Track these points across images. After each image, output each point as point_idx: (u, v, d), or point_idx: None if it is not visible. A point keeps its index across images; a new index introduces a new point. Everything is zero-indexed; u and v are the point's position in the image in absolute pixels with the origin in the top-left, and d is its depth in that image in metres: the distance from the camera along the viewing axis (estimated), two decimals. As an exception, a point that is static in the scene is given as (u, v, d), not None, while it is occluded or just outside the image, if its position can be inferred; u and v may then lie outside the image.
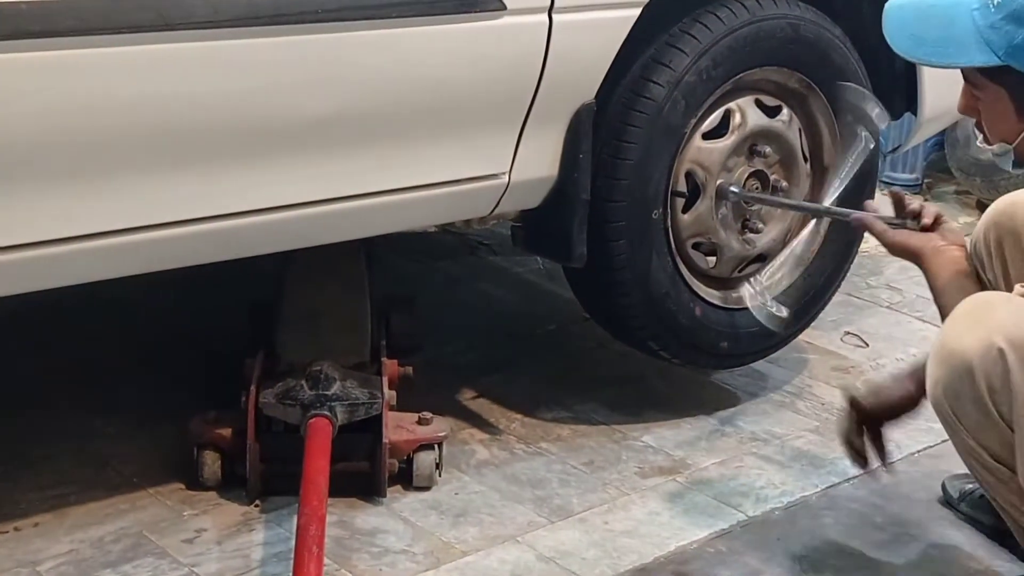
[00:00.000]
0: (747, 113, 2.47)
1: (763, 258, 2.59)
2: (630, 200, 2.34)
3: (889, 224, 2.09)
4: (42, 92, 1.75)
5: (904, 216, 2.09)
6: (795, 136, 2.55)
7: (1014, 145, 1.97)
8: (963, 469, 2.34)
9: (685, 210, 2.45)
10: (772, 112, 2.52)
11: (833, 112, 2.58)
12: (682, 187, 2.43)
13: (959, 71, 1.99)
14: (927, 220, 2.07)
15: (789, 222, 2.61)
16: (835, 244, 2.70)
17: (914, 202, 2.11)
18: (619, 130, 2.32)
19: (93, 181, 1.84)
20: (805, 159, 2.58)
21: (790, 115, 2.55)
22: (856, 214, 2.16)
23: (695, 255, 2.49)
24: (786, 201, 2.54)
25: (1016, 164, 2.02)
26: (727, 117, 2.46)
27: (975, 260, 2.12)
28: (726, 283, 2.57)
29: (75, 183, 1.83)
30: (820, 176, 2.64)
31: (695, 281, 2.50)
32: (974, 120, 2.04)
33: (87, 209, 1.86)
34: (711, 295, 2.53)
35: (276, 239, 2.11)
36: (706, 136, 2.44)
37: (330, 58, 1.97)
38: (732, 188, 2.47)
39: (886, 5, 2.01)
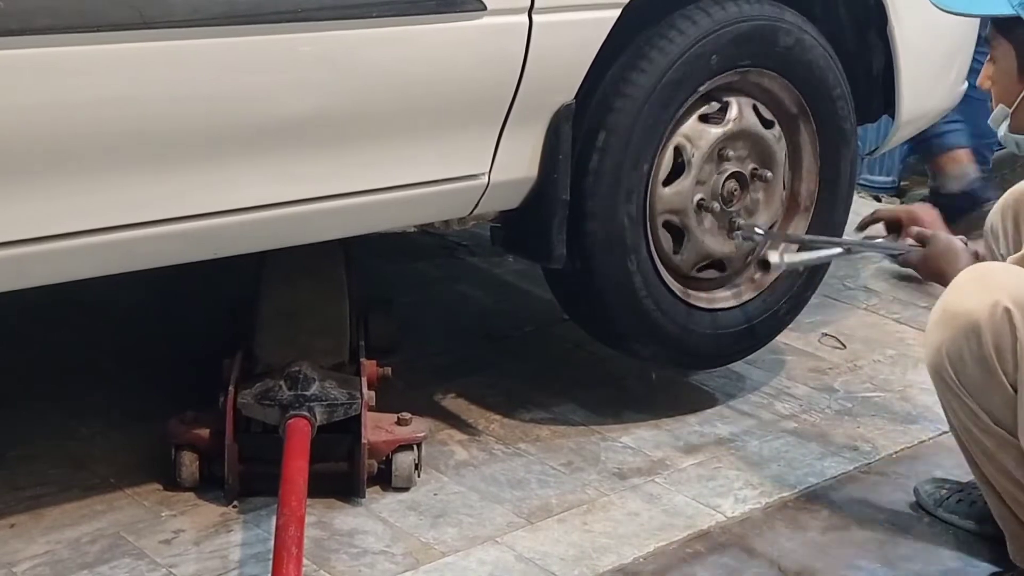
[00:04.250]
0: (744, 111, 2.49)
1: (722, 266, 2.58)
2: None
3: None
4: (17, 91, 1.74)
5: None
6: (781, 153, 2.58)
7: (1012, 109, 2.05)
8: (938, 472, 2.37)
9: (667, 183, 2.44)
10: (766, 125, 2.53)
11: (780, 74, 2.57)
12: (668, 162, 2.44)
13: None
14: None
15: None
16: (830, 196, 2.70)
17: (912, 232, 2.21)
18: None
19: (69, 180, 1.84)
20: (784, 186, 2.59)
21: (780, 133, 2.58)
22: (906, 256, 2.24)
23: (663, 236, 2.47)
24: (818, 238, 2.58)
25: (1012, 129, 2.08)
26: (725, 109, 2.48)
27: (990, 237, 2.16)
28: (685, 279, 2.55)
29: (51, 182, 1.82)
30: (793, 125, 2.62)
31: (660, 263, 2.49)
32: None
33: (63, 208, 1.85)
34: (671, 282, 2.52)
35: (255, 239, 2.11)
36: (703, 119, 2.46)
37: (309, 58, 1.97)
38: (757, 229, 2.50)
39: None
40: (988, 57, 2.12)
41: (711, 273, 2.57)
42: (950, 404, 2.02)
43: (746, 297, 2.63)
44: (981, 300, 1.90)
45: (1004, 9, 2.01)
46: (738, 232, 2.50)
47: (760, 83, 2.53)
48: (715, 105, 2.47)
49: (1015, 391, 1.92)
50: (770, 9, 2.47)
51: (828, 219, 2.69)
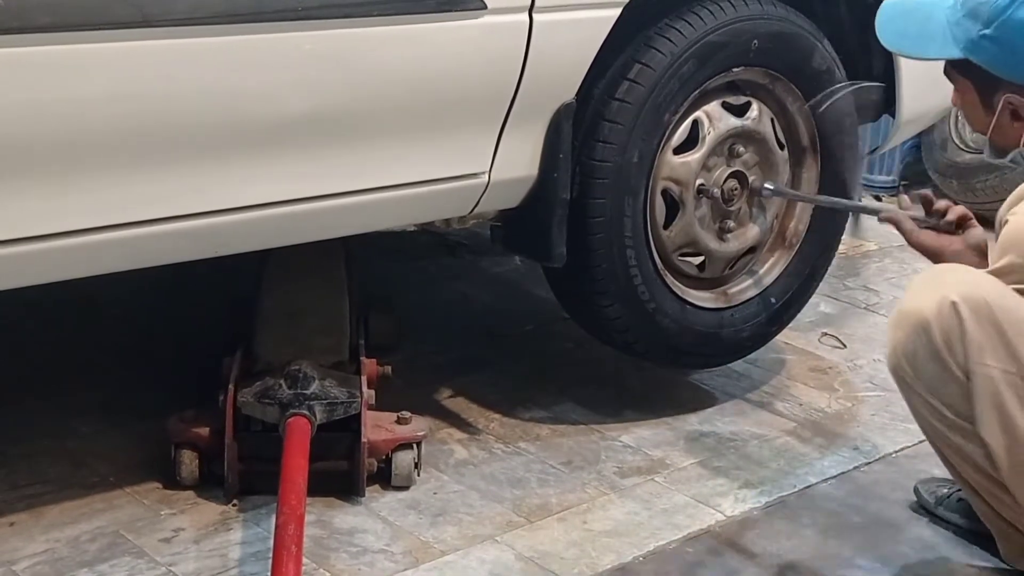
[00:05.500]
0: (763, 117, 2.54)
1: (702, 265, 2.57)
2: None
3: (916, 223, 2.16)
4: (18, 89, 1.74)
5: (931, 215, 2.16)
6: (785, 177, 2.60)
7: (988, 136, 2.08)
8: (938, 472, 2.37)
9: (678, 153, 2.46)
10: (740, 110, 2.54)
11: (803, 96, 2.60)
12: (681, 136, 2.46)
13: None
14: (951, 217, 2.15)
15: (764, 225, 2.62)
16: (815, 241, 2.71)
17: (941, 202, 2.18)
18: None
19: (69, 178, 1.83)
20: (781, 146, 2.60)
21: (787, 159, 2.59)
22: (886, 212, 2.22)
23: (659, 205, 2.47)
24: (817, 197, 2.61)
25: (994, 154, 2.13)
26: (748, 108, 2.52)
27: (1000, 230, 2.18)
28: (669, 262, 2.55)
29: (51, 180, 1.82)
30: (800, 157, 2.66)
31: (651, 233, 2.49)
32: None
33: (62, 206, 1.84)
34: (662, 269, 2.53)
35: (255, 237, 2.11)
36: (726, 107, 2.50)
37: (310, 56, 1.97)
38: (767, 186, 2.53)
39: (883, 2, 2.16)
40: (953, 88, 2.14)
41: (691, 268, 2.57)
42: (913, 403, 2.07)
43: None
44: (930, 298, 1.97)
45: (953, 53, 2.03)
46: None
47: (785, 102, 2.58)
48: (741, 99, 2.52)
49: (968, 381, 1.96)
50: (812, 29, 2.55)
51: (809, 261, 2.71)
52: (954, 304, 1.94)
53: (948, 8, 2.04)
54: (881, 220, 2.25)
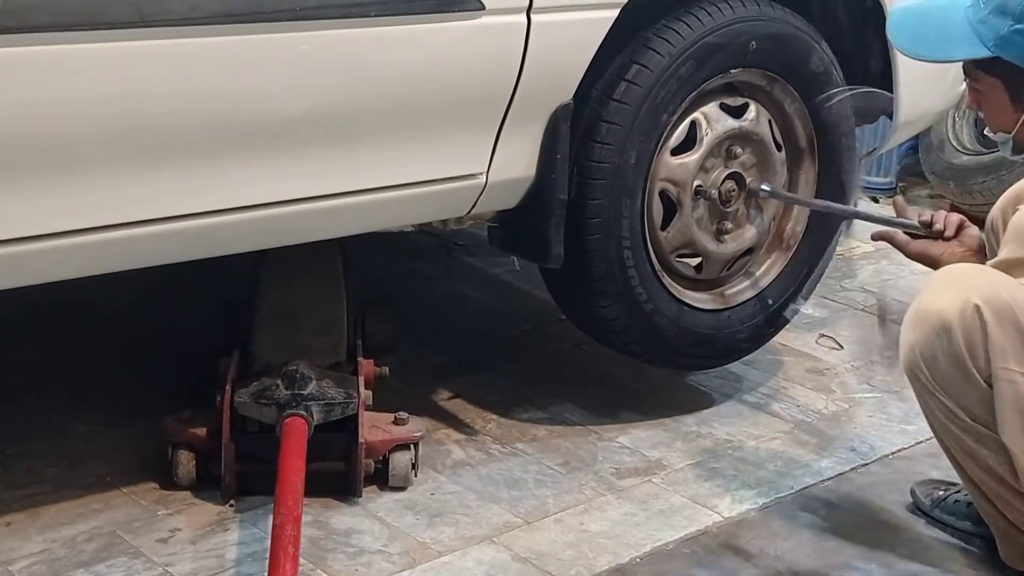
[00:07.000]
0: (761, 119, 2.54)
1: (700, 266, 2.58)
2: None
3: (909, 234, 2.19)
4: (15, 88, 1.74)
5: (928, 230, 2.18)
6: (782, 178, 2.61)
7: (1013, 133, 2.07)
8: (935, 473, 2.37)
9: (675, 154, 2.46)
10: (738, 112, 2.54)
11: (803, 100, 2.60)
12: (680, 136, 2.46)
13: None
14: (949, 233, 2.17)
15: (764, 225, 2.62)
16: (812, 243, 2.71)
17: (926, 214, 2.20)
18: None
19: (66, 178, 1.83)
20: (778, 147, 2.60)
21: (785, 160, 2.60)
22: (877, 231, 2.24)
23: (656, 206, 2.47)
24: (816, 201, 2.61)
25: (1016, 151, 2.12)
26: (745, 110, 2.52)
27: (991, 234, 2.18)
28: (666, 263, 2.55)
29: (48, 180, 1.82)
30: (798, 159, 2.66)
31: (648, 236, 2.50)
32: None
33: (60, 206, 1.84)
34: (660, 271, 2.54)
35: (253, 238, 2.11)
36: (723, 109, 2.50)
37: (307, 57, 1.97)
38: (763, 187, 2.53)
39: (891, 8, 2.17)
40: (971, 87, 2.12)
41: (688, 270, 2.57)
42: (927, 404, 2.06)
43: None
44: (951, 299, 1.95)
45: (980, 52, 2.01)
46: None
47: (783, 103, 2.58)
48: (739, 100, 2.52)
49: (989, 386, 1.95)
50: (810, 30, 2.55)
51: (807, 261, 2.71)
52: (977, 307, 1.92)
53: (968, 8, 2.02)
54: (874, 238, 2.28)
